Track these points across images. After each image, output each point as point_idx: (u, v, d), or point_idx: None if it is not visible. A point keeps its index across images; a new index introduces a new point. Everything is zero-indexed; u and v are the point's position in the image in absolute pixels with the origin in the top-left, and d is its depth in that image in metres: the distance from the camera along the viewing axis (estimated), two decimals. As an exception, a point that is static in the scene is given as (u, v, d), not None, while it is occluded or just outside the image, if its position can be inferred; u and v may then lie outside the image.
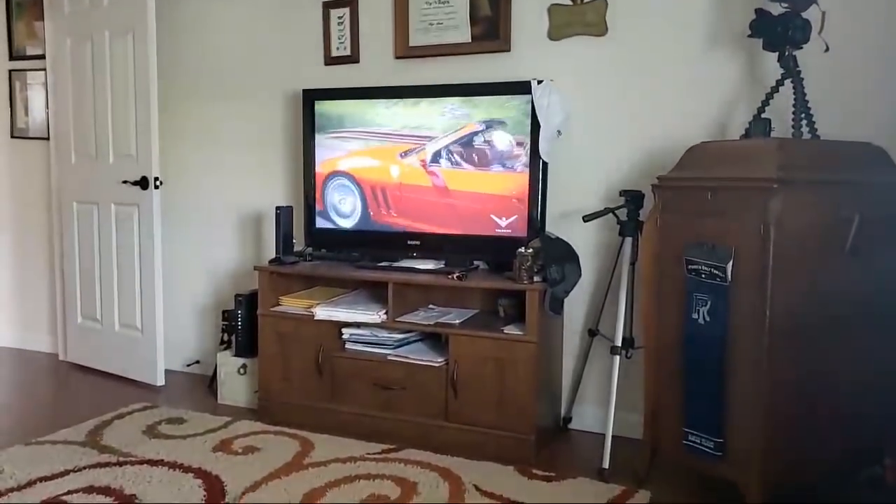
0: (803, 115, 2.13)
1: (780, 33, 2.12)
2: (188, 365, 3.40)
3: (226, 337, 3.09)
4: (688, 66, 2.49)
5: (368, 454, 2.40)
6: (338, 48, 3.01)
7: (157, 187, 3.12)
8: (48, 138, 3.63)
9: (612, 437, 2.35)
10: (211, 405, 2.97)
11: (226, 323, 3.08)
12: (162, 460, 2.35)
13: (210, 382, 3.15)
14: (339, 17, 2.99)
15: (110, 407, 2.85)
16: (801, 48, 2.14)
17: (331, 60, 3.03)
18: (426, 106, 2.70)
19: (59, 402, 3.14)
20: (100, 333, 3.41)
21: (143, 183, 3.13)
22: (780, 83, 2.18)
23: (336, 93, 2.88)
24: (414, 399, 2.57)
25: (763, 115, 2.19)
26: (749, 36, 2.19)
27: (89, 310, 3.45)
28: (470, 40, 2.76)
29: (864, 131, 2.10)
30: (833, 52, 2.14)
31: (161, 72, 3.12)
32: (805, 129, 2.14)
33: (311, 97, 2.90)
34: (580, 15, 2.61)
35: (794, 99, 2.13)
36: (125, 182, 3.17)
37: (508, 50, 2.72)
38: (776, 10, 2.14)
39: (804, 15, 2.11)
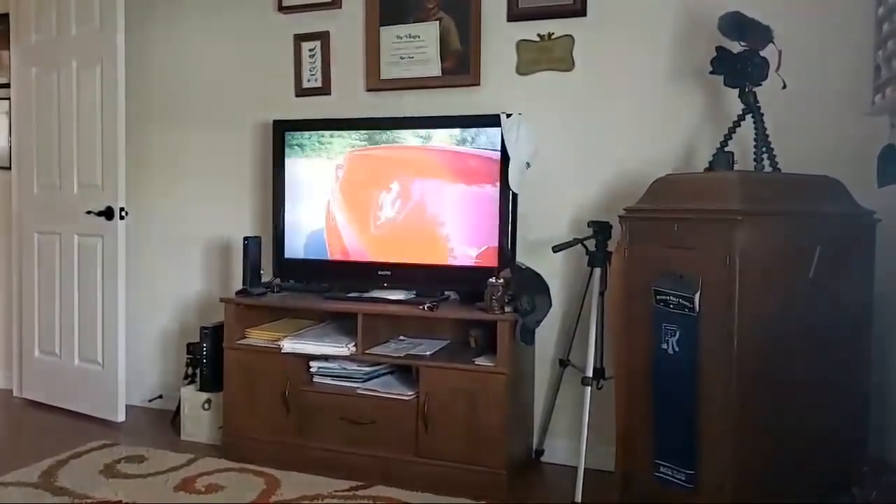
0: (764, 149, 2.19)
1: (740, 71, 2.19)
2: (150, 400, 3.30)
3: (190, 371, 3.01)
4: (653, 100, 2.56)
5: (336, 491, 2.34)
6: (309, 80, 3.02)
7: (122, 217, 3.06)
8: (9, 168, 3.56)
9: (585, 469, 2.34)
10: (173, 442, 2.87)
11: (190, 356, 3.01)
12: (120, 501, 2.26)
13: (173, 418, 3.06)
14: (311, 50, 3.01)
15: (67, 445, 2.74)
16: (761, 85, 2.21)
17: (302, 92, 3.04)
18: (398, 139, 2.72)
19: (12, 440, 3.01)
20: (58, 368, 3.29)
21: (107, 213, 3.07)
22: (741, 118, 2.25)
23: (306, 124, 2.88)
24: (383, 434, 2.52)
25: (726, 149, 2.25)
26: (710, 73, 2.26)
27: (47, 343, 3.34)
28: (440, 74, 2.80)
29: (823, 164, 2.17)
30: (791, 88, 2.21)
31: (128, 99, 3.09)
32: (766, 163, 2.19)
33: (281, 128, 2.90)
34: (548, 51, 2.67)
35: (755, 133, 2.20)
36: (89, 212, 3.11)
37: (478, 84, 2.76)
38: (735, 48, 2.21)
39: (762, 53, 2.19)
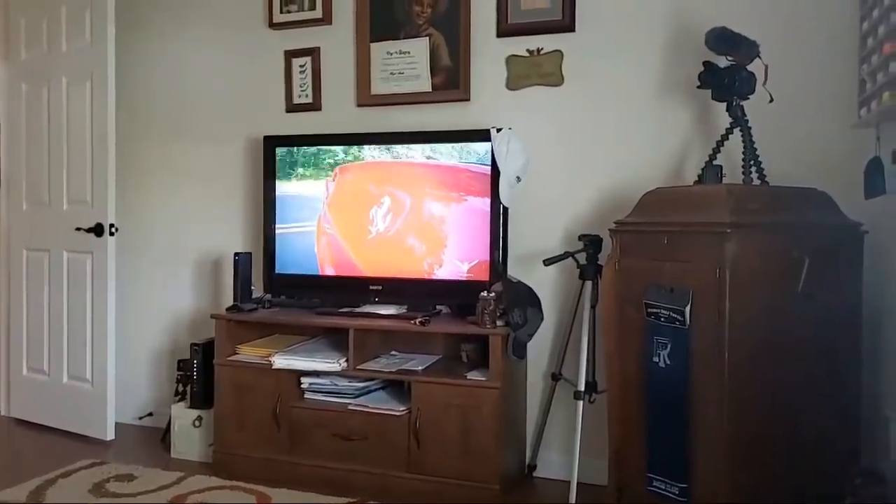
0: (752, 162, 2.21)
1: (727, 85, 2.21)
2: (140, 417, 3.27)
3: (181, 388, 2.98)
4: (642, 114, 2.58)
5: (328, 508, 2.33)
6: (300, 95, 3.03)
7: (112, 234, 3.05)
8: (-1, 184, 3.55)
9: (578, 483, 2.33)
10: (164, 460, 2.85)
11: (181, 373, 2.99)
12: (108, 521, 2.23)
13: (163, 436, 3.03)
14: (301, 66, 3.02)
15: (55, 464, 2.70)
16: (748, 99, 2.23)
17: (292, 107, 3.05)
18: (389, 156, 2.73)
19: (-1, 460, 2.98)
20: (46, 386, 3.26)
21: (97, 230, 3.05)
22: (729, 131, 2.27)
23: (297, 140, 2.88)
24: (375, 450, 2.50)
25: (714, 162, 2.26)
26: (698, 87, 2.28)
27: (36, 361, 3.31)
28: (431, 90, 2.81)
29: (810, 177, 2.19)
30: (777, 102, 2.23)
31: (118, 115, 3.09)
32: (754, 175, 2.21)
33: (272, 143, 2.90)
34: (537, 66, 2.69)
35: (743, 146, 2.21)
36: (79, 229, 3.09)
37: (468, 99, 2.77)
38: (723, 63, 2.24)
39: (749, 68, 2.21)
